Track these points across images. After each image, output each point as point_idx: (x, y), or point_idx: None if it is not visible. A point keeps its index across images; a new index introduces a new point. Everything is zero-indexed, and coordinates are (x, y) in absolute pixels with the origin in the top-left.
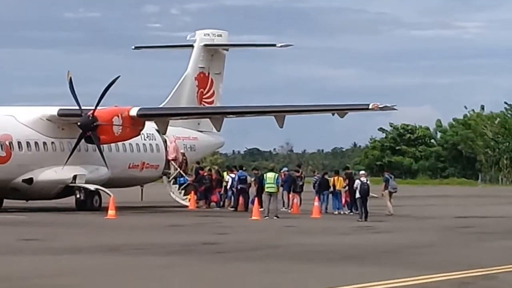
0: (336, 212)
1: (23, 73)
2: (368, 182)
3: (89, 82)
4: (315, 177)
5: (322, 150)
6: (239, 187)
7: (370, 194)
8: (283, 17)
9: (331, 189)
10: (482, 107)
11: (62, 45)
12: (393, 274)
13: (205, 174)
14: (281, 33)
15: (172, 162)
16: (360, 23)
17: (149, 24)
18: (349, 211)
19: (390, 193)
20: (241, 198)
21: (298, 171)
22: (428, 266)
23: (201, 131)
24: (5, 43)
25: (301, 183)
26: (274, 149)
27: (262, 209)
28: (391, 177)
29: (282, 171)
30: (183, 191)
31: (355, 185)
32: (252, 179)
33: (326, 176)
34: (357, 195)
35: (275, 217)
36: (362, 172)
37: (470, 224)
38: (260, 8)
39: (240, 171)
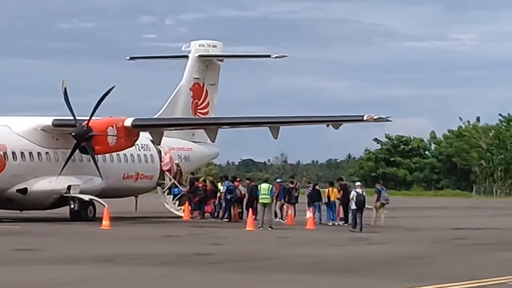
0: (331, 223)
1: (17, 83)
2: (364, 193)
3: (83, 92)
4: (310, 188)
5: (317, 161)
6: (228, 197)
7: (366, 205)
8: (278, 28)
9: (325, 200)
10: (478, 119)
11: (57, 55)
12: (388, 285)
13: (200, 185)
14: (276, 44)
15: (167, 172)
16: (355, 34)
17: (144, 35)
18: (343, 222)
19: (382, 204)
20: (235, 209)
21: (292, 182)
22: (422, 278)
23: (195, 142)
24: None
25: (296, 194)
26: (269, 160)
27: (256, 220)
28: (383, 189)
29: (275, 182)
30: (177, 202)
31: (351, 196)
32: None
33: (317, 187)
34: (353, 206)
35: (269, 228)
36: (357, 183)
37: (464, 236)
38: (255, 19)
39: (227, 181)
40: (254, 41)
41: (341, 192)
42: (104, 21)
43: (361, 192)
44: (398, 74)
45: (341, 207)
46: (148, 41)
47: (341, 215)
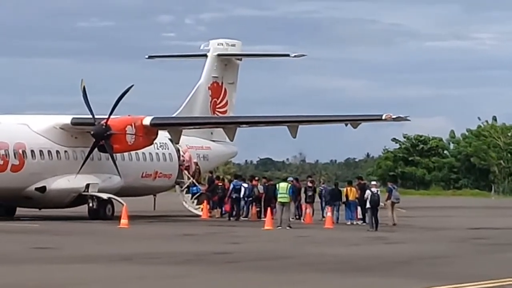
0: (349, 223)
1: (36, 82)
2: (379, 192)
3: (102, 91)
4: (321, 186)
5: (335, 161)
6: (233, 197)
7: (380, 204)
8: (297, 27)
9: (344, 199)
10: (495, 118)
11: (76, 54)
12: (406, 285)
13: (220, 183)
14: (295, 43)
15: (185, 171)
16: (374, 34)
17: (163, 34)
18: (361, 221)
19: (393, 203)
20: (254, 208)
21: (312, 182)
22: (440, 278)
23: (214, 141)
24: (19, 52)
25: (310, 193)
26: (287, 159)
27: (275, 219)
28: (394, 188)
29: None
30: (195, 201)
31: (365, 195)
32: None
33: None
34: (368, 205)
35: (287, 227)
36: (373, 182)
37: (483, 236)
38: (274, 18)
39: (235, 180)
40: (273, 41)
41: (359, 191)
42: (124, 20)
43: (376, 191)
44: (417, 73)
45: (360, 206)
46: (167, 40)
47: (360, 215)
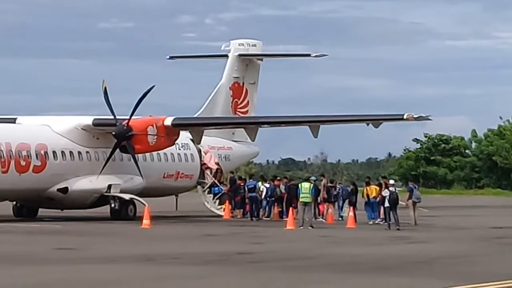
0: (371, 222)
1: (58, 82)
2: (397, 191)
3: (124, 92)
4: (338, 186)
5: (357, 160)
6: (249, 196)
7: (400, 203)
8: (318, 27)
9: (365, 199)
10: None
11: (97, 55)
12: (429, 284)
13: (241, 183)
14: (316, 43)
15: (207, 171)
16: (395, 33)
17: (184, 34)
18: (383, 221)
19: (414, 203)
20: (276, 208)
21: (332, 181)
22: (463, 277)
23: (235, 141)
24: (40, 54)
25: (334, 193)
26: (309, 159)
27: (297, 219)
28: (415, 187)
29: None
30: (217, 201)
31: (384, 194)
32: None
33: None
34: (386, 204)
35: (309, 227)
36: (391, 181)
37: (505, 235)
38: (295, 18)
39: (250, 180)
40: (294, 40)
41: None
42: (144, 20)
43: (394, 190)
44: (438, 72)
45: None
46: (188, 40)
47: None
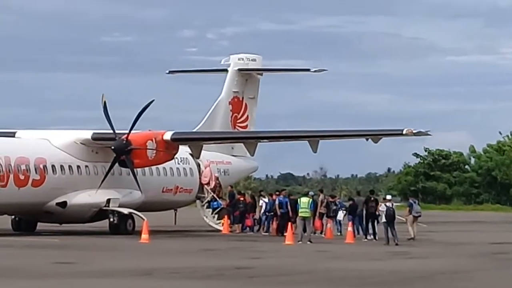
0: (365, 240)
1: (57, 96)
2: (394, 206)
3: (123, 106)
4: (337, 201)
5: (356, 175)
6: (281, 212)
7: (397, 217)
8: (319, 42)
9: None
10: None
11: (97, 69)
12: None
13: (241, 198)
14: (316, 58)
15: (206, 186)
16: (396, 48)
17: (186, 49)
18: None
19: (415, 218)
20: (275, 223)
21: (333, 196)
22: None
23: (235, 156)
24: (40, 67)
25: (334, 208)
26: (308, 174)
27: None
28: (415, 202)
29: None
30: (216, 215)
31: (380, 210)
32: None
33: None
34: (383, 219)
35: (308, 242)
36: (388, 197)
37: (505, 250)
38: (297, 33)
39: (281, 196)
40: (295, 55)
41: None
42: (146, 35)
43: (391, 206)
44: (438, 88)
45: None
46: (190, 54)
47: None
